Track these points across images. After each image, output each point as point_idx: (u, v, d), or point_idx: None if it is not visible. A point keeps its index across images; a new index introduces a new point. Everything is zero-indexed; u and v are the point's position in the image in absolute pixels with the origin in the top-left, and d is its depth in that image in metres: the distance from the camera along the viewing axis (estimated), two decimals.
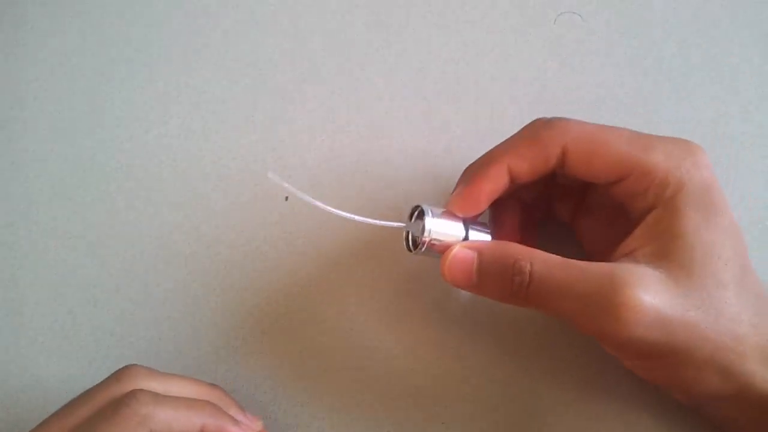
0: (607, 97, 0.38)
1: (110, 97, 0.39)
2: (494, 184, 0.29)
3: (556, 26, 0.39)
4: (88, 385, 0.34)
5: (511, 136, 0.30)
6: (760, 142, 0.37)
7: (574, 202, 0.33)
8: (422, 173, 0.37)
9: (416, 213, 0.30)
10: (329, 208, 0.29)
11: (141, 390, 0.27)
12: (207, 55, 0.39)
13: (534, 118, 0.37)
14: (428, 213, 0.28)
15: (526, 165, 0.28)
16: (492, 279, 0.28)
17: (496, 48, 0.39)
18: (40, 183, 0.37)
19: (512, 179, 0.29)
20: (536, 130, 0.29)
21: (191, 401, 0.28)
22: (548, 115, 0.37)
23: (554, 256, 0.27)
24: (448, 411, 0.33)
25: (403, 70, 0.39)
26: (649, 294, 0.25)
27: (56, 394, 0.34)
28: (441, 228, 0.28)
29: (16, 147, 0.38)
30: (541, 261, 0.27)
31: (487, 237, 0.30)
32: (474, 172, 0.29)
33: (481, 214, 0.30)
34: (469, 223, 0.29)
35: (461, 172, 0.35)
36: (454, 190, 0.30)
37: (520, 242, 0.29)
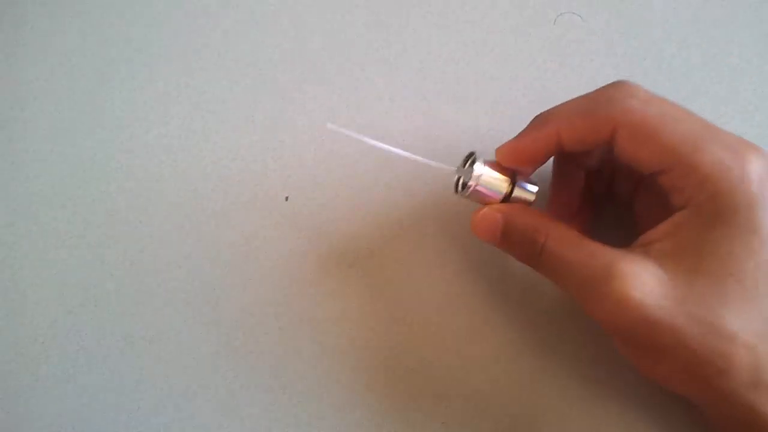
0: None
1: (110, 97, 0.39)
2: (541, 146, 0.29)
3: (556, 26, 0.39)
4: (88, 385, 0.34)
5: (579, 97, 0.29)
6: (760, 142, 0.37)
7: (634, 180, 0.32)
8: (422, 173, 0.37)
9: (469, 160, 0.31)
10: (392, 148, 0.31)
11: None
12: (207, 55, 0.39)
13: (534, 118, 0.38)
14: (480, 160, 0.30)
15: (575, 136, 0.28)
16: (512, 241, 0.30)
17: (496, 48, 0.39)
18: (40, 183, 0.37)
19: (561, 146, 0.29)
20: (597, 102, 0.28)
21: None
22: None
23: (573, 232, 0.28)
24: (448, 411, 0.33)
25: (403, 70, 0.39)
26: (639, 291, 0.25)
27: (56, 393, 0.34)
28: (489, 177, 0.30)
29: (16, 147, 0.38)
30: (555, 236, 0.28)
31: (532, 196, 0.30)
32: (527, 128, 0.30)
33: (531, 171, 0.31)
34: (517, 178, 0.30)
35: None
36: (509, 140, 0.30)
37: (574, 212, 0.32)
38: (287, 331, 0.35)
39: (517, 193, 0.30)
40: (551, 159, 0.33)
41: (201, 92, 0.39)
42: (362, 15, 0.40)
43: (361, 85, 0.38)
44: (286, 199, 0.37)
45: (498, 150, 0.30)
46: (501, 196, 0.30)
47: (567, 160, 0.32)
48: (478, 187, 0.30)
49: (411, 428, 0.33)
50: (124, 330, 0.35)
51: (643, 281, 0.26)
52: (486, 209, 0.30)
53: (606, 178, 0.33)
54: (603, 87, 0.29)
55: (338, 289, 0.35)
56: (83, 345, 0.34)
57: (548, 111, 0.29)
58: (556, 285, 0.29)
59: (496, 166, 0.30)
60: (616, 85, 0.28)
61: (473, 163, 0.30)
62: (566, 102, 0.29)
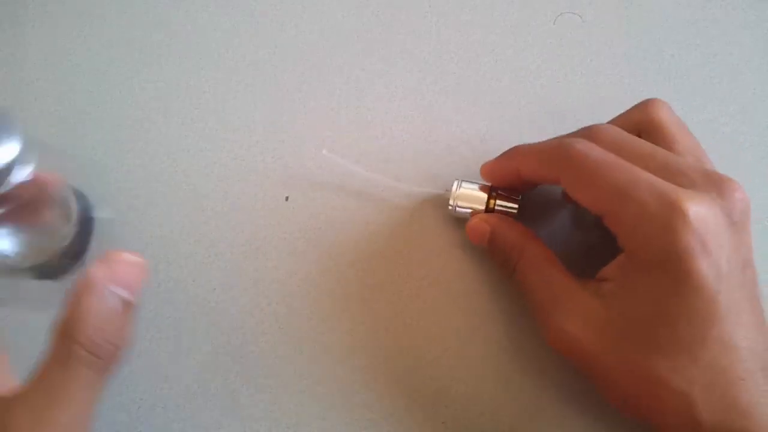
0: (607, 97, 0.38)
1: (110, 97, 0.39)
2: (506, 174, 0.32)
3: (556, 26, 0.39)
4: None
5: (533, 145, 0.32)
6: (760, 141, 0.37)
7: None
8: (422, 173, 0.37)
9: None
10: (385, 179, 0.35)
11: None
12: (207, 55, 0.39)
13: (533, 118, 0.38)
14: (460, 181, 0.34)
15: (529, 174, 0.31)
16: (494, 252, 0.33)
17: (496, 48, 0.39)
18: None
19: (520, 177, 0.32)
20: (552, 148, 0.30)
21: None
22: (547, 116, 0.37)
23: (545, 254, 0.31)
24: (448, 411, 0.33)
25: (403, 71, 0.39)
26: (576, 326, 0.28)
27: None
28: (468, 192, 0.34)
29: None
30: (527, 256, 0.31)
31: (513, 209, 0.33)
32: (503, 155, 0.33)
33: (518, 189, 0.33)
34: (497, 192, 0.34)
35: (461, 172, 0.35)
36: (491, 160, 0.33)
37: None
38: (287, 331, 0.35)
39: (500, 205, 0.33)
40: None
41: (201, 92, 0.39)
42: (362, 15, 0.40)
43: (361, 86, 0.38)
44: (287, 199, 0.37)
45: (481, 165, 0.34)
46: (483, 208, 0.33)
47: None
48: (459, 203, 0.34)
49: (411, 428, 0.33)
50: None
51: (584, 318, 0.28)
52: (476, 219, 0.33)
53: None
54: (635, 107, 0.32)
55: (338, 288, 0.35)
56: None
57: (520, 146, 0.32)
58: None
59: (480, 184, 0.34)
60: (590, 128, 0.31)
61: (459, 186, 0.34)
62: (542, 141, 0.32)
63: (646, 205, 0.26)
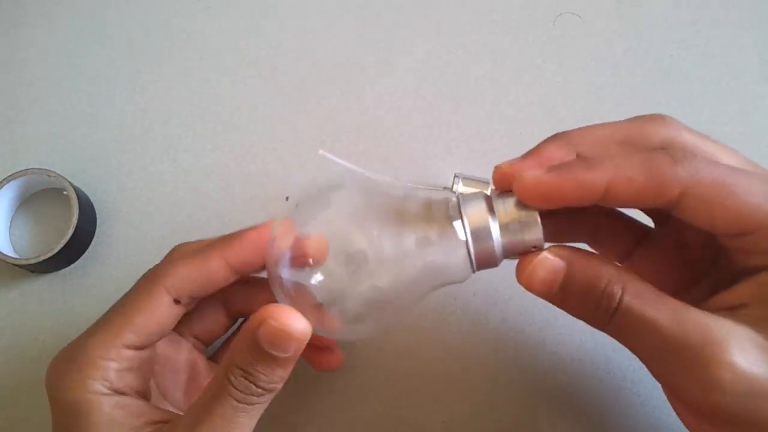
0: (607, 97, 0.38)
1: (110, 97, 0.39)
2: (585, 193, 0.24)
3: (556, 27, 0.39)
4: None
5: (626, 132, 0.25)
6: (760, 141, 0.37)
7: (627, 238, 0.29)
8: (422, 173, 0.37)
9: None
10: (384, 178, 0.29)
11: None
12: (207, 56, 0.39)
13: (533, 118, 0.38)
14: (455, 181, 0.32)
15: (632, 192, 0.24)
16: (575, 296, 0.24)
17: (496, 48, 0.39)
18: None
19: (605, 199, 0.24)
20: (659, 159, 0.24)
21: (205, 245, 0.28)
22: (547, 116, 0.37)
23: (648, 286, 0.24)
24: (448, 411, 0.33)
25: (403, 71, 0.39)
26: (745, 360, 0.22)
27: None
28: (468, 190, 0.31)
29: (18, 147, 0.38)
30: (634, 290, 0.23)
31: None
32: (568, 166, 0.24)
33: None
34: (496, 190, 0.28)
35: (462, 173, 0.35)
36: (531, 170, 0.24)
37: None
38: None
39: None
40: None
41: (201, 92, 0.39)
42: (363, 15, 0.40)
43: (361, 86, 0.38)
44: (287, 199, 0.37)
45: (519, 179, 0.24)
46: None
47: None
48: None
49: (411, 428, 0.33)
50: None
51: (748, 350, 0.22)
52: (543, 253, 0.24)
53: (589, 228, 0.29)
54: (643, 123, 0.26)
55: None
56: None
57: (593, 156, 0.25)
58: (626, 345, 0.24)
59: (480, 181, 0.30)
60: (664, 134, 0.25)
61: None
62: (617, 153, 0.25)
63: None
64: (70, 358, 0.26)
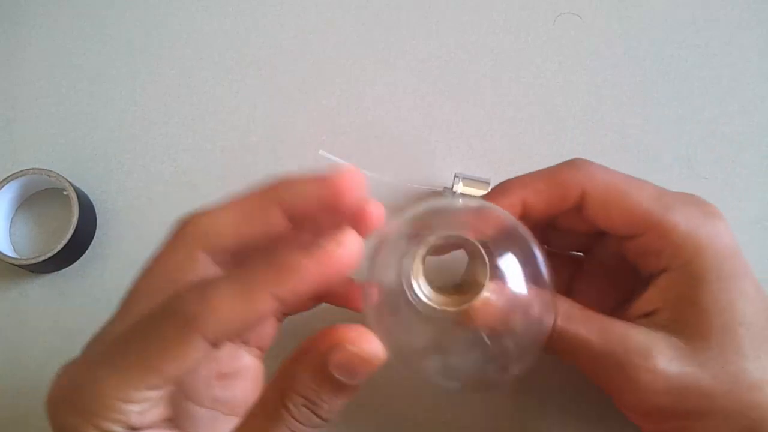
0: (606, 97, 0.38)
1: (110, 97, 0.39)
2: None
3: (556, 27, 0.39)
4: None
5: (530, 173, 0.29)
6: (760, 141, 0.37)
7: (568, 270, 0.32)
8: (422, 173, 0.37)
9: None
10: (383, 177, 0.32)
11: (186, 285, 0.21)
12: (207, 55, 0.39)
13: (533, 119, 0.38)
14: (456, 180, 0.32)
15: (542, 202, 0.27)
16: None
17: (496, 48, 0.39)
18: None
19: (525, 214, 0.28)
20: (558, 169, 0.28)
21: (245, 273, 0.21)
22: (547, 116, 0.37)
23: (576, 305, 0.27)
24: (448, 411, 0.33)
25: (403, 71, 0.39)
26: (662, 361, 0.25)
27: None
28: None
29: (16, 147, 0.38)
30: (564, 312, 0.26)
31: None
32: (489, 196, 0.29)
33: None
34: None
35: (462, 173, 0.35)
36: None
37: None
38: (287, 331, 0.35)
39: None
40: None
41: (201, 92, 0.39)
42: (363, 15, 0.40)
43: (361, 86, 0.38)
44: None
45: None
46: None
47: None
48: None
49: (411, 428, 0.33)
50: None
51: (665, 352, 0.25)
52: (482, 298, 0.24)
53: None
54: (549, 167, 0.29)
55: None
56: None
57: (502, 184, 0.29)
58: (568, 363, 0.27)
59: (480, 180, 0.31)
60: (572, 160, 0.28)
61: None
62: (518, 176, 0.29)
63: (691, 214, 0.26)
64: (80, 399, 0.21)
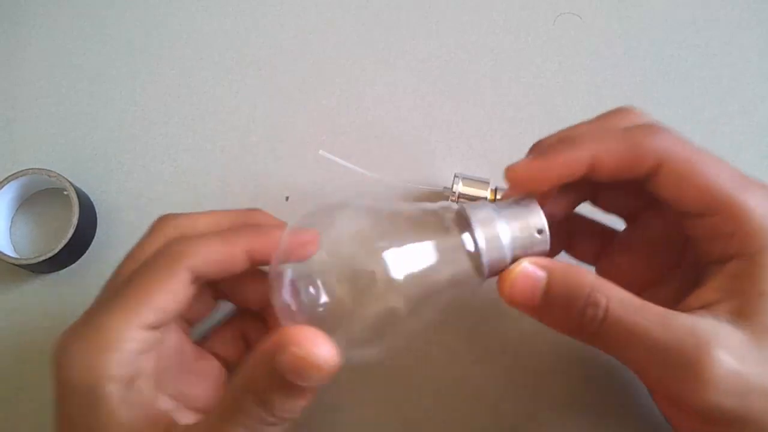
0: (606, 97, 0.38)
1: (110, 97, 0.39)
2: (570, 170, 0.25)
3: (556, 27, 0.39)
4: None
5: (600, 122, 0.26)
6: (760, 141, 0.37)
7: (599, 241, 0.30)
8: (422, 173, 0.37)
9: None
10: (382, 176, 0.31)
11: (165, 228, 0.27)
12: (207, 55, 0.39)
13: (533, 119, 0.38)
14: (455, 180, 0.32)
15: (613, 163, 0.25)
16: (560, 306, 0.24)
17: (496, 48, 0.39)
18: None
19: (591, 172, 0.25)
20: (635, 131, 0.25)
21: (227, 230, 0.26)
22: (547, 116, 0.37)
23: (631, 294, 0.24)
24: (449, 411, 0.33)
25: (403, 71, 0.39)
26: (733, 357, 0.22)
27: None
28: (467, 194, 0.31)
29: (16, 147, 0.38)
30: (618, 298, 0.23)
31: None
32: (553, 147, 0.26)
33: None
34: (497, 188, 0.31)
35: (462, 173, 0.35)
36: (522, 159, 0.26)
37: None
38: None
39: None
40: None
41: (201, 92, 0.39)
42: (363, 15, 0.40)
43: (361, 86, 0.38)
44: (287, 199, 0.37)
45: (511, 168, 0.25)
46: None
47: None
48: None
49: (411, 428, 0.33)
50: None
51: (732, 347, 0.22)
52: (522, 263, 0.24)
53: (560, 239, 0.30)
54: (618, 112, 0.27)
55: None
56: None
57: (573, 131, 0.26)
58: (615, 356, 0.25)
59: (480, 180, 0.31)
60: (639, 114, 0.26)
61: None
62: (587, 123, 0.26)
63: (766, 200, 0.24)
64: (84, 337, 0.24)
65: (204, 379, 0.28)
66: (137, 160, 0.38)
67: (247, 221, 0.28)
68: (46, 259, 0.34)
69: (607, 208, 0.30)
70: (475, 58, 0.39)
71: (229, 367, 0.30)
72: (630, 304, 0.23)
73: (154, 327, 0.25)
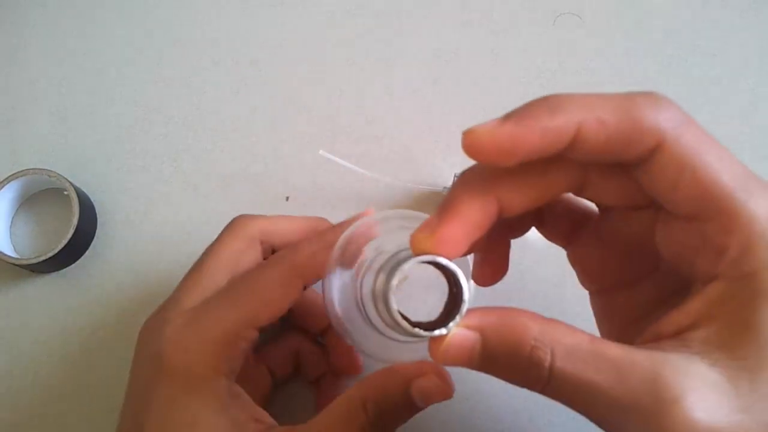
0: None
1: (110, 97, 0.39)
2: (550, 139, 0.20)
3: (556, 26, 0.39)
4: (88, 387, 0.34)
5: (596, 94, 0.21)
6: (760, 142, 0.37)
7: (572, 219, 0.26)
8: (422, 173, 0.37)
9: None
10: (382, 176, 0.32)
11: (257, 233, 0.29)
12: (207, 55, 0.39)
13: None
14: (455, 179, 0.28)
15: (603, 137, 0.20)
16: (500, 368, 0.21)
17: (496, 48, 0.39)
18: None
19: (574, 144, 0.20)
20: (636, 99, 0.20)
21: (327, 238, 0.28)
22: None
23: (580, 335, 0.20)
24: (449, 411, 0.33)
25: (403, 71, 0.39)
26: (702, 410, 0.18)
27: (59, 393, 0.34)
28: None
29: (18, 148, 0.38)
30: (565, 350, 0.20)
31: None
32: (530, 110, 0.21)
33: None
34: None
35: (461, 174, 0.34)
36: (488, 122, 0.20)
37: (481, 264, 0.25)
38: None
39: None
40: None
41: (201, 92, 0.39)
42: (363, 15, 0.40)
43: (361, 86, 0.38)
44: (287, 199, 0.37)
45: (471, 132, 0.20)
46: None
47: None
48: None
49: (411, 428, 0.33)
50: (127, 332, 0.35)
51: (704, 395, 0.19)
52: (453, 330, 0.21)
53: (528, 219, 0.26)
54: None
55: None
56: (85, 346, 0.35)
57: (560, 96, 0.21)
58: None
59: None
60: (652, 93, 0.21)
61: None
62: (585, 94, 0.21)
63: None
64: (201, 327, 0.25)
65: (255, 386, 0.30)
66: (137, 160, 0.38)
67: (321, 226, 0.31)
68: (46, 259, 0.34)
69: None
70: (475, 58, 0.39)
71: (276, 381, 0.32)
72: (579, 356, 0.19)
73: (264, 329, 0.27)
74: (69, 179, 0.35)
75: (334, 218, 0.36)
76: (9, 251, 0.35)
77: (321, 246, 0.28)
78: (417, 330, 0.20)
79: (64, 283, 0.36)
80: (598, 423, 0.21)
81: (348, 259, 0.26)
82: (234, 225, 0.29)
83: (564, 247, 0.26)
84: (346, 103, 0.38)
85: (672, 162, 0.20)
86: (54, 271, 0.36)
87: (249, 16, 0.40)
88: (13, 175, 0.35)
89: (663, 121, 0.20)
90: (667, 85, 0.38)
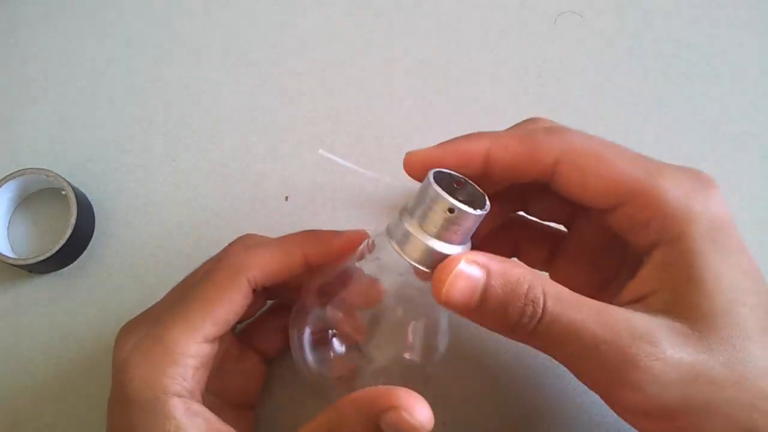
0: (607, 97, 0.38)
1: (110, 97, 0.39)
2: (463, 160, 0.25)
3: (556, 26, 0.39)
4: (88, 387, 0.34)
5: (505, 130, 0.27)
6: (760, 142, 0.37)
7: (548, 245, 0.30)
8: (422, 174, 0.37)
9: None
10: (381, 177, 0.32)
11: (233, 243, 0.29)
12: (207, 55, 0.39)
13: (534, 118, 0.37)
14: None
15: (508, 160, 0.24)
16: (496, 306, 0.23)
17: (496, 48, 0.39)
18: None
19: (487, 166, 0.25)
20: (533, 130, 0.26)
21: (284, 237, 0.28)
22: (547, 116, 0.37)
23: (565, 289, 0.23)
24: (448, 411, 0.33)
25: (403, 70, 0.39)
26: (671, 347, 0.22)
27: (56, 394, 0.34)
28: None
29: (16, 147, 0.38)
30: (554, 294, 0.22)
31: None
32: (453, 139, 0.26)
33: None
34: None
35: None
36: (422, 148, 0.27)
37: None
38: None
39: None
40: None
41: (201, 92, 0.39)
42: (363, 15, 0.40)
43: (361, 86, 0.38)
44: (286, 199, 0.37)
45: (409, 153, 0.26)
46: None
47: None
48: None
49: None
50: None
51: (670, 338, 0.22)
52: (459, 267, 0.22)
53: (506, 248, 0.30)
54: (524, 120, 0.28)
55: None
56: (84, 346, 0.34)
57: (480, 132, 0.26)
58: (549, 354, 0.24)
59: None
60: (539, 119, 0.27)
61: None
62: (501, 131, 0.27)
63: (680, 179, 0.23)
64: (146, 350, 0.25)
65: (245, 376, 0.30)
66: (136, 159, 0.37)
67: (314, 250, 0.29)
68: (44, 259, 0.34)
69: (541, 216, 0.30)
70: (475, 58, 0.39)
71: (268, 359, 0.32)
72: (566, 300, 0.22)
73: (215, 339, 0.26)
74: (67, 179, 0.35)
75: (334, 218, 0.36)
76: (6, 251, 0.35)
77: (273, 244, 0.28)
78: (459, 204, 0.22)
79: (61, 284, 0.35)
80: (575, 367, 0.23)
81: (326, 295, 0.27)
82: (233, 242, 0.29)
83: (546, 270, 0.30)
84: (346, 103, 0.38)
85: (574, 169, 0.24)
86: (52, 271, 0.36)
87: (249, 16, 0.40)
88: (10, 174, 0.35)
89: (557, 140, 0.24)
90: (668, 85, 0.38)
